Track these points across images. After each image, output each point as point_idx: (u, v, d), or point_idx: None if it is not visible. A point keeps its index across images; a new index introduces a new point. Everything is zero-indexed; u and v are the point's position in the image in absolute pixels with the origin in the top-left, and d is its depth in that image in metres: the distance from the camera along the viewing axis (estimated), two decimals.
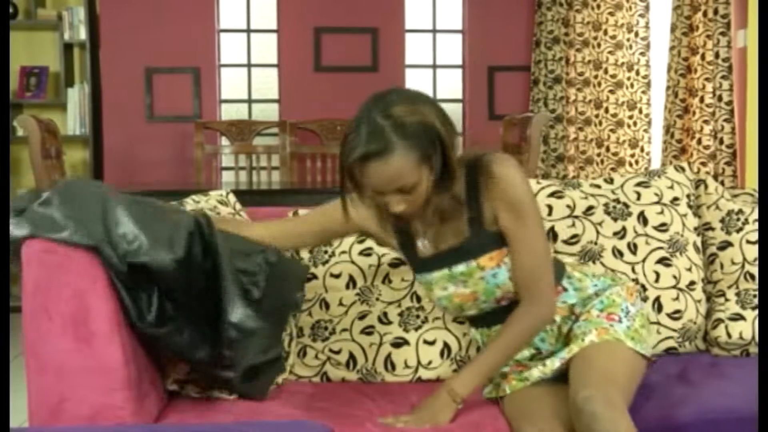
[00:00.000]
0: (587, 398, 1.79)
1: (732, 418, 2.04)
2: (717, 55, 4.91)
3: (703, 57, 5.03)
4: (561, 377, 2.04)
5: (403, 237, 2.11)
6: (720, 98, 4.90)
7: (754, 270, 2.52)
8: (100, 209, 1.87)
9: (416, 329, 2.36)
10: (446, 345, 2.35)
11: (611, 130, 5.82)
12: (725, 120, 4.91)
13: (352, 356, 2.34)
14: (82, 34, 5.75)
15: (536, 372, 2.07)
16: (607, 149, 5.85)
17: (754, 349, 2.49)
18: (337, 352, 2.35)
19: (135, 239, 1.85)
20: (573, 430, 1.86)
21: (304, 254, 2.45)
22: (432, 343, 2.35)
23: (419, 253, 2.09)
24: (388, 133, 1.86)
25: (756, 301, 2.51)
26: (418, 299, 2.39)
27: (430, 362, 2.33)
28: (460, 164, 1.98)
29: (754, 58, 4.90)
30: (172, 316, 1.91)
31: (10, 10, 5.59)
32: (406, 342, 2.35)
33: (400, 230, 2.10)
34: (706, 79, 5.01)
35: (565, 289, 2.14)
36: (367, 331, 2.36)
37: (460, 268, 2.04)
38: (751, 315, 2.49)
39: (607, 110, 5.84)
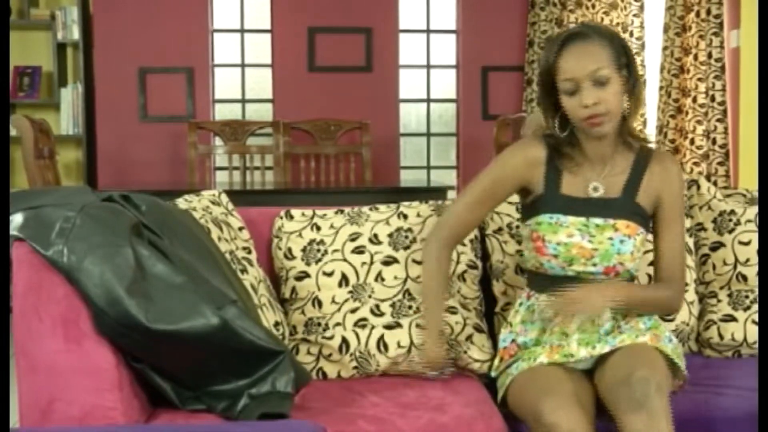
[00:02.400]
0: (644, 378, 1.88)
1: (725, 418, 2.05)
2: (710, 56, 4.92)
3: (696, 57, 5.04)
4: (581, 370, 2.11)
5: (552, 173, 2.19)
6: (713, 98, 4.91)
7: (747, 271, 2.52)
8: (107, 253, 1.87)
9: (408, 317, 2.37)
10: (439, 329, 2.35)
11: None
12: (718, 120, 4.93)
13: (344, 340, 2.33)
14: (76, 34, 5.74)
15: (583, 351, 2.09)
16: None
17: (746, 351, 2.50)
18: (330, 338, 2.34)
19: (115, 302, 1.83)
20: (589, 414, 1.92)
21: (297, 252, 2.45)
22: (425, 327, 2.34)
23: (562, 190, 2.17)
24: (587, 28, 2.11)
25: (748, 302, 2.51)
26: (411, 296, 2.39)
27: (423, 344, 2.33)
28: (634, 136, 2.19)
29: (747, 58, 4.91)
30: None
31: None
32: (398, 325, 2.35)
33: (551, 167, 2.19)
34: (699, 80, 5.02)
35: None
36: (361, 323, 2.36)
37: (597, 221, 2.14)
38: (743, 316, 2.49)
39: None
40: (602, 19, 5.78)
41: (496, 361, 2.26)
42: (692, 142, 5.06)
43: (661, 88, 5.23)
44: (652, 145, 2.24)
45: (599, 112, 2.06)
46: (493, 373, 2.26)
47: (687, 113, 5.09)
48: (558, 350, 2.11)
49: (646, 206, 2.18)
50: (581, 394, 1.98)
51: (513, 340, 2.22)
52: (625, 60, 2.09)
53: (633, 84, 2.11)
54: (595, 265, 2.13)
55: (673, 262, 2.19)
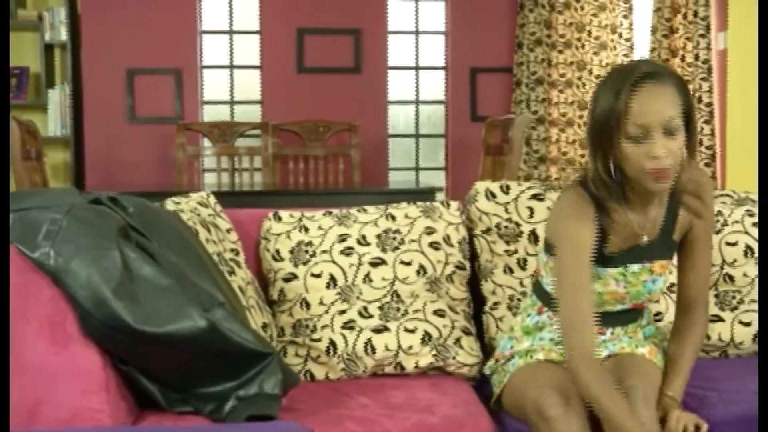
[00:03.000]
0: (633, 387, 1.89)
1: (711, 422, 2.05)
2: (697, 57, 4.94)
3: (683, 59, 5.06)
4: None
5: (600, 232, 1.99)
6: (699, 100, 4.93)
7: (733, 272, 2.53)
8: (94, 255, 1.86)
9: (396, 320, 2.37)
10: (427, 333, 2.35)
11: None
12: (705, 122, 4.94)
13: (332, 342, 2.33)
14: (63, 34, 5.72)
15: None
16: None
17: (732, 351, 2.50)
18: (318, 341, 2.34)
19: (102, 304, 1.83)
20: (586, 409, 1.91)
21: (285, 254, 2.44)
22: (413, 331, 2.35)
23: (607, 250, 2.01)
24: (659, 67, 1.90)
25: (735, 302, 2.52)
26: (399, 297, 2.39)
27: (410, 347, 2.33)
28: None
29: (735, 60, 4.93)
30: None
31: None
32: (386, 329, 2.35)
33: (600, 227, 1.99)
34: (686, 81, 5.04)
35: None
36: (348, 325, 2.36)
37: (635, 267, 2.05)
38: (730, 317, 2.50)
39: None
40: (591, 20, 5.80)
41: (491, 362, 2.25)
42: None
43: None
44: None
45: (666, 166, 1.86)
46: (486, 371, 2.26)
47: None
48: (555, 349, 2.11)
49: (679, 238, 2.10)
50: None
51: (512, 347, 2.21)
52: (689, 108, 1.91)
53: (692, 135, 1.94)
54: (624, 304, 2.11)
55: (705, 283, 2.13)
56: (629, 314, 2.15)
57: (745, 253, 2.53)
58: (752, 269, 2.53)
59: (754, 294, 2.52)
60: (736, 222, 2.57)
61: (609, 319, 2.11)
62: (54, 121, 5.79)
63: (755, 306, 2.51)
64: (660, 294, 2.12)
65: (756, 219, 2.58)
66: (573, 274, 1.94)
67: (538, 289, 2.20)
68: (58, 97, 5.77)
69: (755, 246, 2.54)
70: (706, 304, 2.15)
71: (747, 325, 2.49)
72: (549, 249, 2.08)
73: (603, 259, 2.02)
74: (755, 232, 2.56)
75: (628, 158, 1.88)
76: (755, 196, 2.76)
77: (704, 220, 2.08)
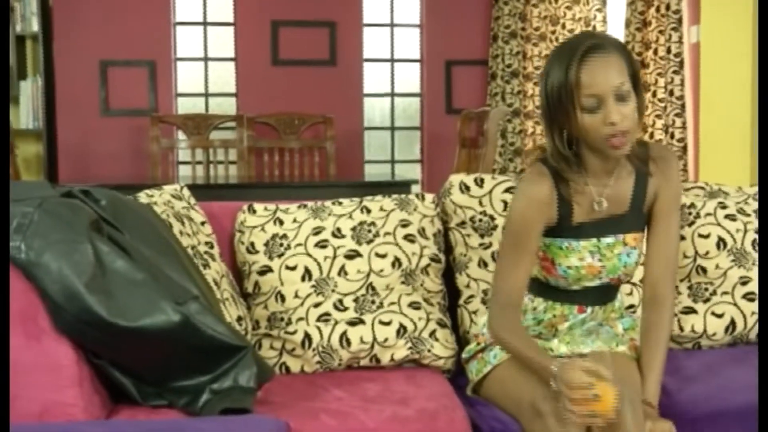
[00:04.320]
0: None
1: (687, 416, 2.07)
2: (669, 50, 4.97)
3: (655, 52, 5.09)
4: None
5: (563, 207, 2.05)
6: (671, 93, 4.97)
7: (706, 263, 2.55)
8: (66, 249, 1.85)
9: (371, 312, 2.37)
10: (402, 326, 2.35)
11: None
12: (676, 114, 4.98)
13: (307, 335, 2.33)
14: (35, 26, 5.66)
15: (564, 348, 2.11)
16: None
17: (705, 342, 2.53)
18: (293, 333, 2.34)
19: (74, 298, 1.82)
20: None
21: (260, 246, 2.44)
22: (388, 323, 2.35)
23: (574, 220, 2.06)
24: (602, 39, 1.95)
25: (707, 294, 2.55)
26: (374, 290, 2.39)
27: (386, 339, 2.33)
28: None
29: (708, 53, 4.96)
30: None
31: None
32: (361, 321, 2.35)
33: (561, 202, 2.04)
34: (659, 74, 5.08)
35: None
36: (324, 318, 2.36)
37: (608, 240, 2.08)
38: (703, 308, 2.52)
39: None
40: (565, 13, 5.82)
41: (472, 344, 2.24)
42: (651, 136, 5.12)
43: None
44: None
45: (623, 129, 1.91)
46: (464, 355, 2.26)
47: (647, 108, 5.14)
48: (539, 341, 2.12)
49: (647, 210, 2.12)
50: None
51: None
52: (635, 72, 1.97)
53: (640, 98, 1.99)
54: (601, 278, 2.12)
55: (671, 261, 2.11)
56: (607, 291, 2.16)
57: (717, 245, 2.56)
58: (724, 261, 2.55)
59: (727, 286, 2.55)
60: (709, 214, 2.59)
61: (588, 296, 2.13)
62: (26, 113, 5.72)
63: (728, 297, 2.53)
64: (635, 268, 2.14)
65: (728, 211, 2.61)
66: (503, 246, 2.07)
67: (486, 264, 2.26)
68: (30, 89, 5.71)
69: (727, 238, 2.56)
70: (673, 293, 2.14)
71: (719, 316, 2.52)
72: None
73: (574, 231, 2.06)
74: (727, 224, 2.58)
75: (587, 129, 1.93)
76: (727, 189, 2.78)
77: (665, 199, 2.11)
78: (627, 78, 1.92)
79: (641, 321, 2.12)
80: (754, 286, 2.53)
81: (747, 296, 2.53)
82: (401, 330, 2.35)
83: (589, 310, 2.14)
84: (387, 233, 2.46)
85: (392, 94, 6.22)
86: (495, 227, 2.49)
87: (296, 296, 2.39)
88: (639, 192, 2.09)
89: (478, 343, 2.22)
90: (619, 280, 2.14)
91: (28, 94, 5.70)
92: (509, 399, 2.03)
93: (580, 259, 2.07)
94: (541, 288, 2.15)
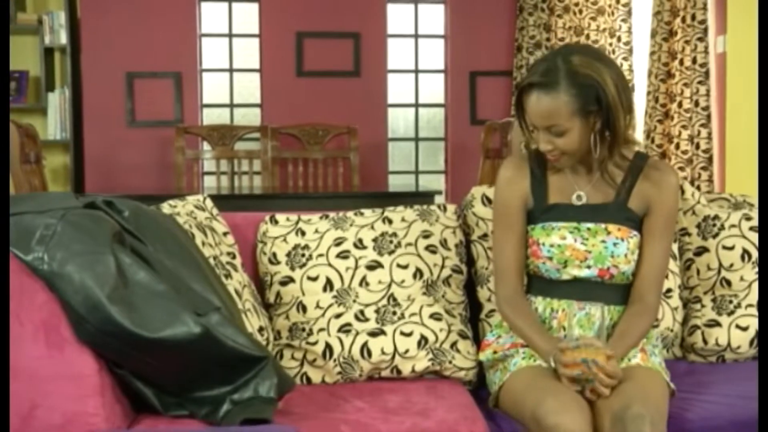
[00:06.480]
0: (639, 416, 1.84)
1: (707, 427, 2.05)
2: (694, 61, 4.94)
3: (681, 62, 5.06)
4: None
5: (537, 186, 2.24)
6: (697, 103, 4.94)
7: (730, 276, 2.53)
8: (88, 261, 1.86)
9: (393, 323, 2.37)
10: (423, 337, 2.35)
11: None
12: (702, 125, 4.95)
13: (328, 346, 2.33)
14: (63, 38, 5.73)
15: (577, 329, 2.11)
16: None
17: (729, 355, 2.50)
18: (314, 344, 2.34)
19: (96, 309, 1.83)
20: (589, 416, 1.90)
21: (282, 257, 2.44)
22: (409, 334, 2.35)
23: (550, 200, 2.21)
24: (560, 74, 2.05)
25: (732, 306, 2.52)
26: (395, 300, 2.39)
27: (407, 351, 2.33)
28: (631, 145, 2.17)
29: (734, 63, 4.93)
30: None
31: None
32: (382, 332, 2.35)
33: (536, 180, 2.24)
34: (684, 84, 5.05)
35: None
36: (345, 329, 2.36)
37: (588, 224, 2.17)
38: (727, 321, 2.50)
39: None
40: (589, 24, 5.80)
41: (488, 351, 2.25)
42: (677, 146, 5.08)
43: (648, 93, 5.25)
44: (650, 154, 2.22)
45: (553, 156, 2.13)
46: (481, 357, 2.26)
47: (673, 118, 5.11)
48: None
49: (638, 211, 2.19)
50: (580, 396, 1.96)
51: (513, 341, 2.21)
52: (596, 106, 2.04)
53: (609, 120, 2.06)
54: (589, 267, 2.15)
55: (655, 271, 2.18)
56: (603, 288, 2.16)
57: (742, 257, 2.53)
58: (749, 273, 2.53)
59: (751, 298, 2.52)
60: (733, 226, 2.57)
61: (584, 290, 2.14)
62: (54, 124, 5.79)
63: (753, 310, 2.51)
64: (630, 265, 2.15)
65: (753, 223, 2.58)
66: (500, 230, 2.24)
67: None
68: (57, 101, 5.77)
69: (752, 250, 2.54)
70: (657, 300, 2.20)
71: (744, 329, 2.49)
72: None
73: (553, 212, 2.19)
74: (752, 236, 2.56)
75: (534, 138, 2.15)
76: (753, 200, 2.76)
77: (659, 215, 2.18)
78: (567, 117, 2.04)
79: (623, 315, 2.16)
80: None
81: None
82: (422, 341, 2.34)
83: (589, 307, 2.11)
84: (408, 244, 2.46)
85: (416, 105, 6.23)
86: None
87: (317, 307, 2.39)
88: (626, 186, 2.18)
89: (495, 352, 2.22)
90: (611, 275, 2.14)
91: (55, 106, 5.77)
92: (519, 409, 2.03)
93: (562, 238, 2.16)
94: (539, 284, 2.21)
